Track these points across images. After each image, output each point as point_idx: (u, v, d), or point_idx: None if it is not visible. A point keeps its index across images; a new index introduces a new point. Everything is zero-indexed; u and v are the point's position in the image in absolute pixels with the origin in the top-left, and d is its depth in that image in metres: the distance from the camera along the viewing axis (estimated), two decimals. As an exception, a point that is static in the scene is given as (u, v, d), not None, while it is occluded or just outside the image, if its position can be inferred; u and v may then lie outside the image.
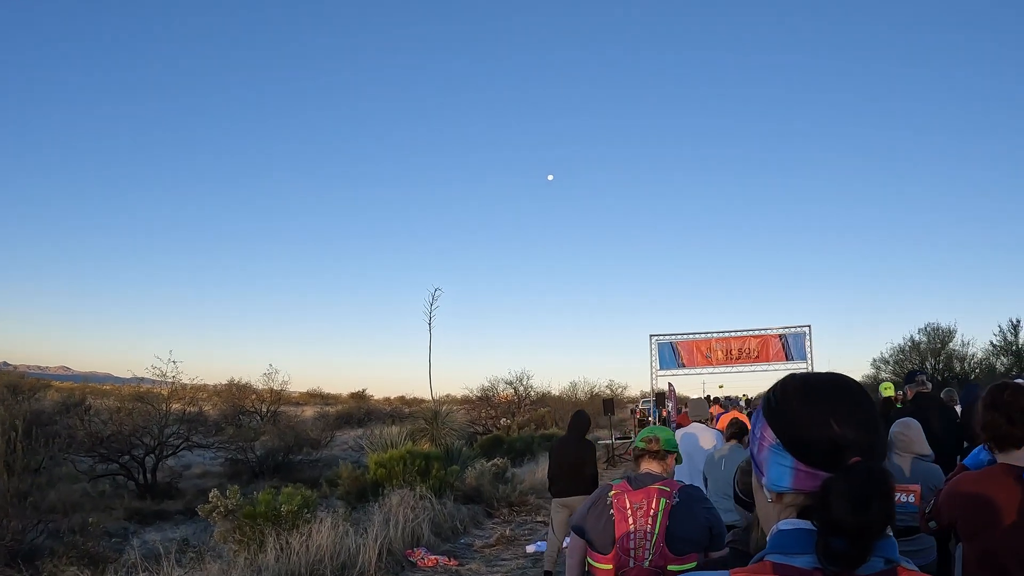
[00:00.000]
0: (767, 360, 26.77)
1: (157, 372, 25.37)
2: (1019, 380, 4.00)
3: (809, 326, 26.44)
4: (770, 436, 1.11)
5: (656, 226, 73.51)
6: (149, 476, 24.60)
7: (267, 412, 38.26)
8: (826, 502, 0.99)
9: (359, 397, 57.32)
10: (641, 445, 3.53)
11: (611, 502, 3.22)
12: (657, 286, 73.30)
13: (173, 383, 25.54)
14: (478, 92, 74.96)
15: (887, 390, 10.96)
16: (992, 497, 2.65)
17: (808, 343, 26.30)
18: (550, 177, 72.87)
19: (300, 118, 76.58)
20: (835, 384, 1.12)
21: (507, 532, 11.30)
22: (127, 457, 23.24)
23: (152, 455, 24.38)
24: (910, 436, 4.48)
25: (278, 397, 39.20)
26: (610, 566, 3.14)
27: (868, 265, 65.43)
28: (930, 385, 7.19)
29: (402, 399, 58.81)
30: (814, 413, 1.07)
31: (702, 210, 72.66)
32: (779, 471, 1.08)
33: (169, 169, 78.44)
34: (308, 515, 10.81)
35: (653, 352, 27.72)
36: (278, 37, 77.31)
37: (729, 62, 69.57)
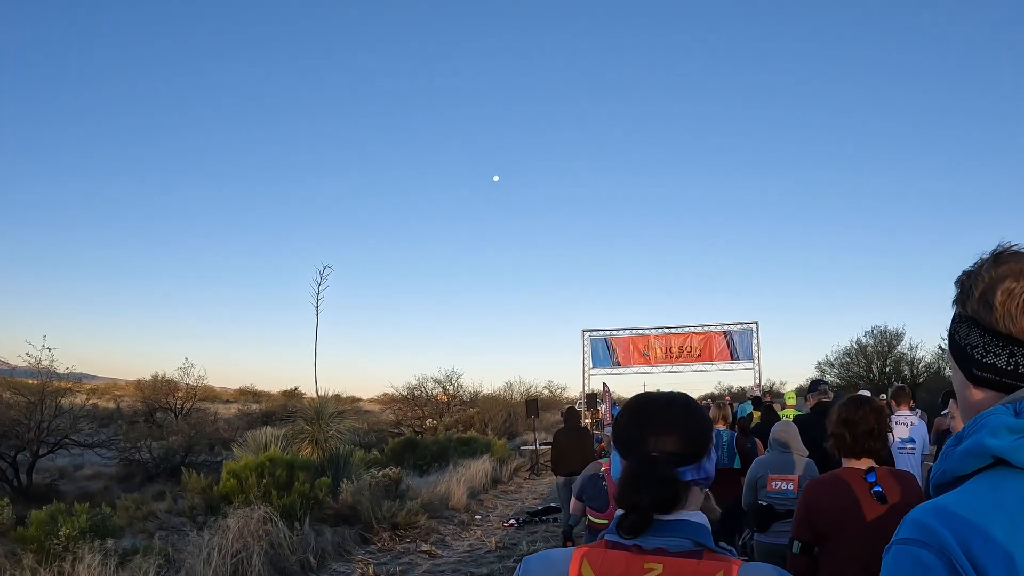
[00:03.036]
0: (710, 359, 23.81)
1: (31, 360, 21.68)
2: (864, 392, 5.13)
3: (756, 323, 23.66)
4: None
5: (596, 220, 70.60)
6: (24, 477, 21.01)
7: (180, 408, 34.78)
8: (617, 488, 1.30)
9: (290, 395, 53.56)
10: None
11: (603, 474, 4.23)
12: (596, 283, 70.08)
13: (49, 370, 21.89)
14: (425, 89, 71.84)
15: (790, 399, 12.12)
16: (843, 497, 2.86)
17: (755, 341, 23.50)
18: (496, 178, 69.82)
19: (229, 113, 72.49)
20: (654, 401, 1.40)
21: (371, 571, 8.17)
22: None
23: (26, 453, 20.88)
24: (788, 435, 5.01)
25: (193, 393, 35.66)
26: (607, 521, 3.98)
27: (820, 262, 62.74)
28: (832, 395, 7.29)
29: (337, 397, 55.52)
30: (631, 424, 1.37)
31: (644, 203, 69.90)
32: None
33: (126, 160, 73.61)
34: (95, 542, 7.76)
35: (586, 349, 24.62)
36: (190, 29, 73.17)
37: (678, 54, 67.39)
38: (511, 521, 11.05)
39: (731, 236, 66.11)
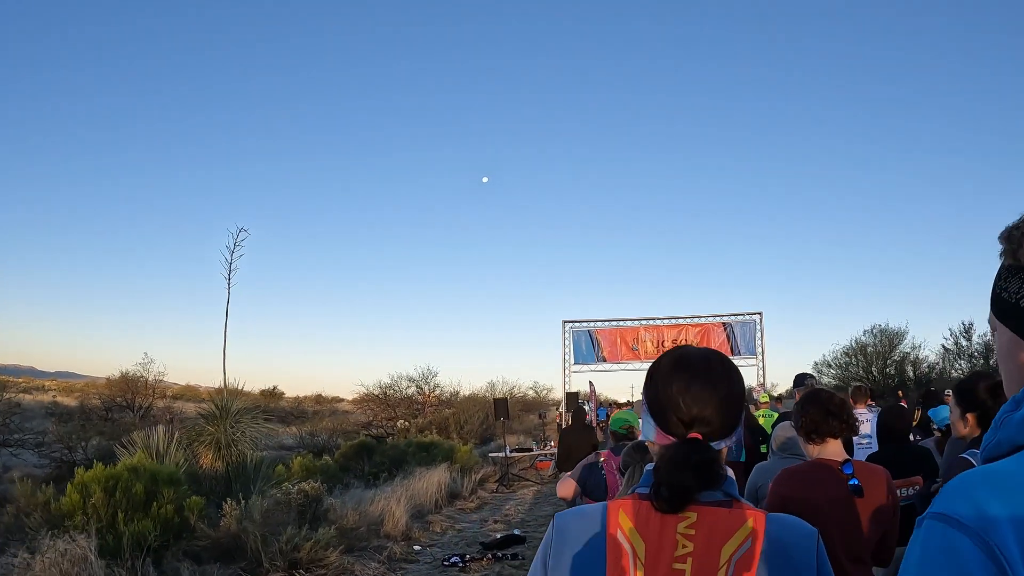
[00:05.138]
0: (708, 354, 20.33)
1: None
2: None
3: (760, 314, 20.35)
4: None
5: (582, 207, 66.77)
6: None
7: (138, 407, 31.63)
8: (659, 463, 1.28)
9: (268, 394, 50.11)
10: (623, 431, 4.93)
11: (602, 465, 4.38)
12: (581, 274, 65.44)
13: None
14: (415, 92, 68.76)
15: (763, 398, 11.67)
16: (819, 488, 2.68)
17: (759, 333, 20.22)
18: (485, 179, 66.74)
19: (217, 109, 69.40)
20: (692, 362, 1.34)
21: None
22: None
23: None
24: (791, 440, 4.17)
25: (152, 390, 32.44)
26: None
27: (829, 248, 57.50)
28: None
29: (319, 397, 52.40)
30: (670, 392, 1.31)
31: (633, 187, 66.03)
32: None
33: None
34: None
35: (567, 342, 21.19)
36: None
37: (682, 46, 64.47)
38: (454, 559, 7.85)
39: (730, 220, 61.74)
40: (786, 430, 4.22)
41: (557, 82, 67.98)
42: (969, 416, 3.20)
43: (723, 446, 1.30)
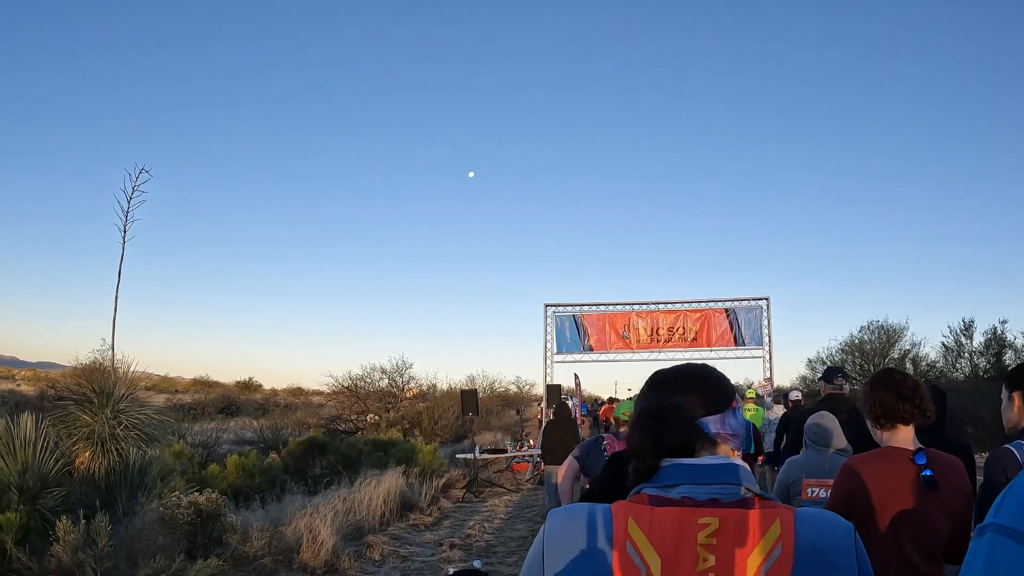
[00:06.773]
0: (708, 344, 17.95)
1: None
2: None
3: (767, 299, 18.04)
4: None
5: (576, 189, 64.08)
6: None
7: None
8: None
9: (244, 386, 47.60)
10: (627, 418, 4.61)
11: (604, 446, 4.36)
12: (570, 259, 62.59)
13: None
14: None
15: (751, 394, 11.58)
16: (889, 479, 2.43)
17: (766, 322, 17.96)
18: (471, 174, 64.47)
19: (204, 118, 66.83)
20: (668, 371, 1.26)
21: None
22: None
23: None
24: (825, 429, 3.84)
25: (113, 380, 29.87)
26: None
27: (830, 247, 54.71)
28: (847, 387, 6.11)
29: (297, 390, 49.87)
30: (648, 394, 1.23)
31: (629, 167, 63.27)
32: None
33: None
34: None
35: (549, 329, 18.80)
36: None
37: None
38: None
39: (728, 209, 59.19)
40: (819, 420, 3.83)
41: (556, 67, 65.83)
42: (1015, 396, 2.70)
43: (712, 429, 1.15)
